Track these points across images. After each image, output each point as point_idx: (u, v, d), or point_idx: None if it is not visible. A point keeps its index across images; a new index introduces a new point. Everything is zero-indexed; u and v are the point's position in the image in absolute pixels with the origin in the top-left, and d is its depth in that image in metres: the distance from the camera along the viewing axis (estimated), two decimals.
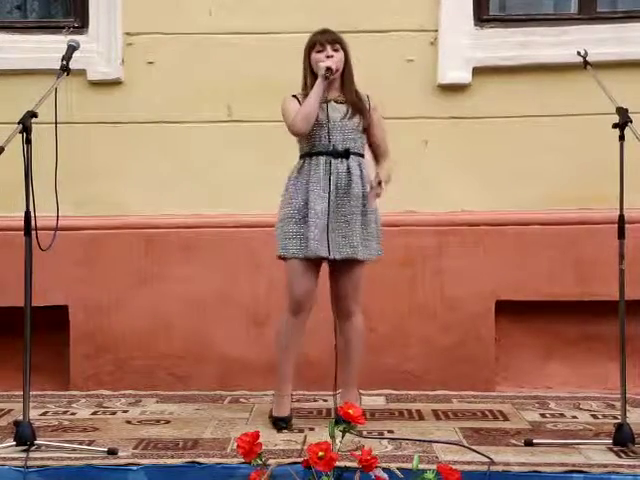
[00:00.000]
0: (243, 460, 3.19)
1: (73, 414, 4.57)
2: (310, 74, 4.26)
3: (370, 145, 4.36)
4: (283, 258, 4.25)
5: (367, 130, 4.31)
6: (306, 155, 4.26)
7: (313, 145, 4.23)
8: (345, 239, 4.19)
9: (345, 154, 4.22)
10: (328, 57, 4.20)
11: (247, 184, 5.15)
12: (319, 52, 4.23)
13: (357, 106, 4.26)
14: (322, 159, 4.21)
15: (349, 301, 4.27)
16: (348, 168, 4.21)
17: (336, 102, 4.25)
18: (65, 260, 5.05)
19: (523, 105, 5.22)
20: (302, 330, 4.27)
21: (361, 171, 4.24)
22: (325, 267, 4.28)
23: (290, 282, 4.24)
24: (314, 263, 4.22)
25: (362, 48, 5.11)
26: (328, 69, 4.15)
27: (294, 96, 4.28)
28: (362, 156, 4.30)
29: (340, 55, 4.24)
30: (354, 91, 4.30)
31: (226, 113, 5.26)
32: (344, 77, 4.27)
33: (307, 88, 4.26)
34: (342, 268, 4.24)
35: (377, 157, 4.37)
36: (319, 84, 4.16)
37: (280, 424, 4.19)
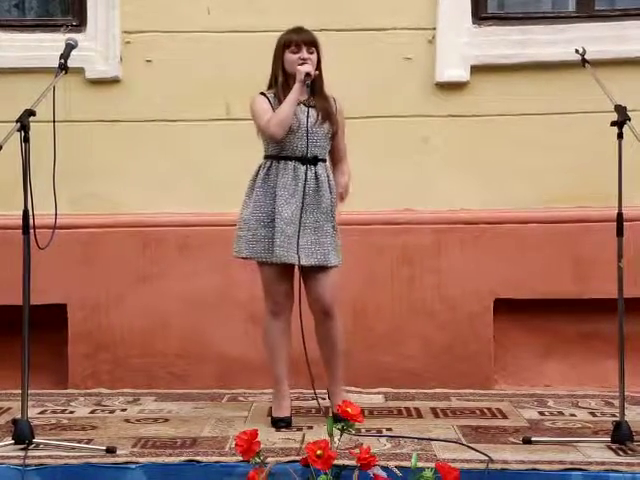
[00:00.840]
0: (241, 458, 3.20)
1: (71, 412, 4.57)
2: (282, 72, 4.20)
3: (331, 148, 4.31)
4: (243, 258, 4.25)
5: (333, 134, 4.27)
6: (273, 157, 4.22)
7: (282, 148, 4.19)
8: (315, 246, 4.17)
9: (313, 160, 4.19)
10: (303, 59, 4.13)
11: (245, 182, 5.14)
12: (294, 53, 4.16)
13: (327, 112, 4.22)
14: (290, 164, 4.18)
15: (327, 303, 4.23)
16: (316, 175, 4.19)
17: (306, 105, 4.18)
18: (63, 259, 5.05)
19: (521, 103, 5.22)
20: (286, 330, 4.26)
21: (328, 177, 4.23)
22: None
23: (265, 286, 4.25)
24: (286, 265, 4.20)
25: (360, 46, 5.14)
26: (307, 74, 4.09)
27: (262, 94, 4.23)
28: (326, 162, 4.26)
29: (315, 58, 4.17)
30: (325, 95, 4.26)
31: (224, 111, 5.26)
32: (316, 80, 4.19)
33: (276, 86, 4.21)
34: (315, 273, 4.20)
35: (337, 160, 4.33)
36: (296, 90, 4.10)
37: (280, 424, 4.19)
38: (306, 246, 4.15)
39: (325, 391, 4.35)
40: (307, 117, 4.14)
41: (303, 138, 4.15)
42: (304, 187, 4.15)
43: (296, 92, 4.10)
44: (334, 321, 4.26)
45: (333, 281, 4.24)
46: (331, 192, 4.22)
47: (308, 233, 4.16)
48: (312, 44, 4.18)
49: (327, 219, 4.19)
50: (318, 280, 4.22)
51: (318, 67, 4.20)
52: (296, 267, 4.19)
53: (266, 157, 4.25)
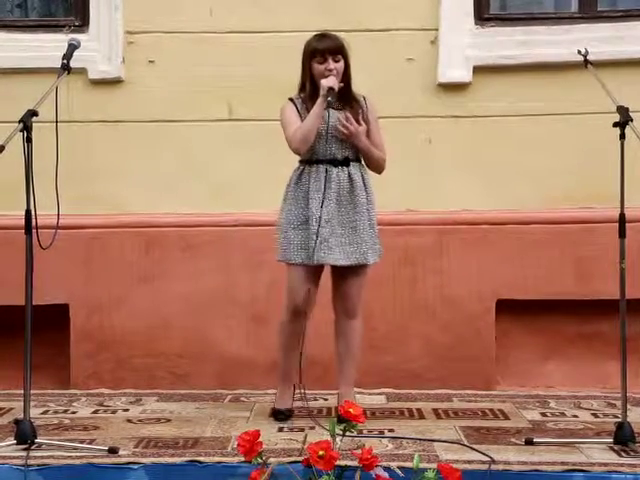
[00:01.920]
0: (244, 459, 3.20)
1: (74, 413, 4.57)
2: (310, 81, 4.21)
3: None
4: (279, 261, 4.27)
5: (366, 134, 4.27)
6: (305, 162, 4.24)
7: (313, 153, 4.21)
8: (353, 246, 4.19)
9: (345, 162, 4.21)
10: (329, 70, 4.13)
11: (248, 183, 5.16)
12: (320, 63, 4.15)
13: (357, 115, 4.22)
14: (322, 167, 4.20)
15: (354, 303, 4.28)
16: (349, 175, 4.21)
17: (335, 109, 4.19)
18: (66, 259, 5.06)
19: (523, 104, 5.21)
20: (302, 332, 4.27)
21: (363, 177, 4.25)
22: (327, 270, 4.28)
23: (291, 288, 4.26)
24: (316, 269, 4.23)
25: (363, 47, 5.12)
26: (330, 89, 4.09)
27: (291, 100, 4.25)
28: (360, 162, 4.28)
29: (341, 65, 4.18)
30: (353, 98, 4.27)
31: (227, 112, 5.26)
32: (344, 85, 4.20)
33: (304, 92, 4.23)
34: (349, 272, 4.24)
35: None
36: (319, 104, 4.10)
37: (279, 416, 4.26)
38: (344, 247, 4.18)
39: (329, 392, 4.37)
40: (332, 120, 4.15)
41: (332, 140, 4.18)
42: (337, 188, 4.17)
43: (319, 106, 4.11)
44: (356, 321, 4.31)
45: (362, 282, 4.28)
46: (366, 191, 4.24)
47: (345, 234, 4.19)
48: (337, 52, 4.17)
49: (363, 218, 4.21)
50: (347, 280, 4.26)
51: (346, 70, 4.20)
52: (327, 268, 4.23)
53: (300, 162, 4.28)
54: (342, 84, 4.18)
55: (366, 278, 4.30)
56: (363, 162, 4.31)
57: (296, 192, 4.23)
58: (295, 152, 4.21)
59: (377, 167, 4.33)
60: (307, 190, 4.19)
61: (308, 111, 4.17)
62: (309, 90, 4.22)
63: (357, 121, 4.20)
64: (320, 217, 4.13)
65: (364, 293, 4.34)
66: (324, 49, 4.15)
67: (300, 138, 4.13)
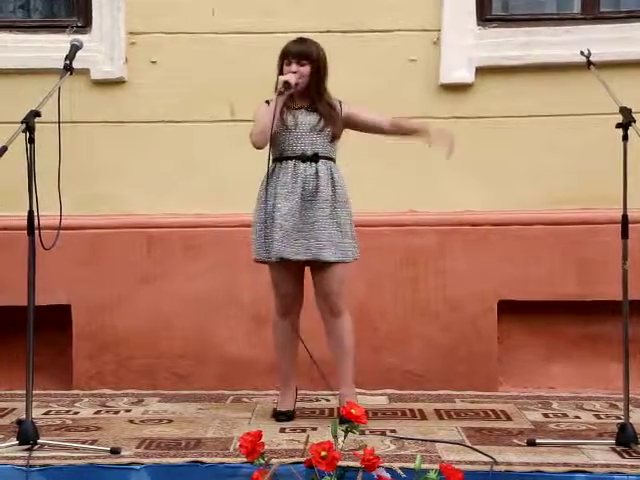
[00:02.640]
0: (246, 459, 3.19)
1: (76, 413, 4.57)
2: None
3: (384, 132, 4.36)
4: (260, 262, 4.30)
5: (358, 126, 4.32)
6: (276, 160, 4.29)
7: (283, 150, 4.27)
8: (311, 241, 4.20)
9: (314, 158, 4.24)
10: (293, 72, 4.21)
11: (249, 183, 5.13)
12: (287, 65, 4.25)
13: (328, 116, 4.27)
14: (290, 163, 4.25)
15: (334, 300, 4.28)
16: (317, 172, 4.24)
17: (307, 110, 4.27)
18: (68, 259, 5.06)
19: (526, 105, 5.21)
20: (294, 330, 4.32)
21: (332, 174, 4.26)
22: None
23: (275, 286, 4.33)
24: (295, 265, 4.25)
25: (365, 48, 5.14)
26: (285, 83, 4.17)
27: (267, 102, 4.28)
28: (333, 161, 4.31)
29: (305, 69, 4.23)
30: (325, 101, 4.31)
31: (229, 112, 5.26)
32: (311, 87, 4.25)
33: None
34: (323, 269, 4.25)
35: (384, 124, 4.34)
36: (275, 100, 4.18)
37: (281, 417, 4.28)
38: (303, 241, 4.20)
39: (331, 392, 4.37)
40: (303, 118, 4.23)
41: (301, 137, 4.23)
42: (302, 183, 4.20)
43: (275, 101, 4.18)
44: (340, 319, 4.30)
45: (337, 277, 4.27)
46: (334, 188, 4.25)
47: (306, 229, 4.20)
48: (304, 57, 4.24)
49: (324, 214, 4.22)
50: (322, 277, 4.27)
51: (316, 74, 4.25)
52: (307, 267, 4.26)
53: (272, 161, 4.30)
54: (299, 82, 4.21)
55: (344, 275, 4.29)
56: (334, 160, 4.31)
57: (267, 189, 4.25)
58: (254, 146, 4.24)
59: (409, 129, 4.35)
60: (275, 186, 4.24)
61: (282, 111, 4.22)
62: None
63: (334, 121, 4.25)
64: (284, 212, 4.17)
65: (345, 290, 4.32)
66: (290, 52, 4.25)
67: (256, 131, 4.20)
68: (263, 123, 4.19)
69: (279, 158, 4.28)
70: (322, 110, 4.28)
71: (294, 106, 4.28)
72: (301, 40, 4.31)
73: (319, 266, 4.25)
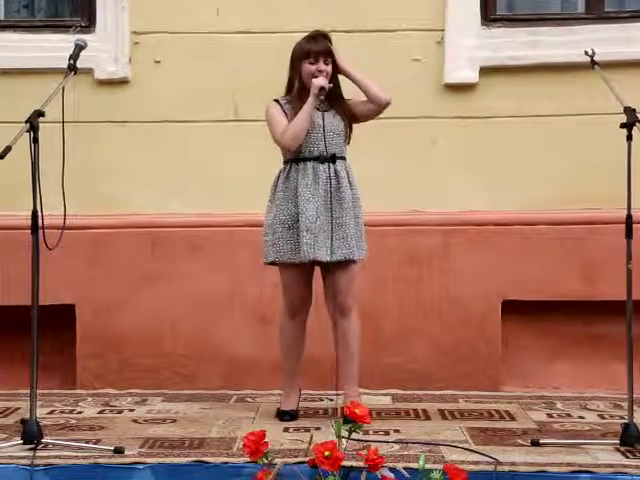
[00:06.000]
0: (249, 459, 3.20)
1: (80, 413, 4.58)
2: (299, 81, 4.26)
3: (373, 105, 4.29)
4: (273, 264, 4.30)
5: (358, 119, 4.33)
6: (292, 161, 4.27)
7: (300, 151, 4.25)
8: (341, 241, 4.22)
9: (331, 159, 4.24)
10: (320, 71, 4.20)
11: (253, 183, 5.13)
12: (311, 64, 4.21)
13: (348, 116, 4.29)
14: (309, 164, 4.24)
15: (346, 297, 4.30)
16: (336, 172, 4.24)
17: (321, 110, 4.24)
18: (72, 259, 5.06)
19: (530, 105, 5.21)
20: (302, 331, 4.36)
21: (348, 174, 4.28)
22: (317, 268, 4.32)
23: (285, 287, 4.33)
24: (308, 266, 4.26)
25: (369, 47, 5.13)
26: (322, 88, 4.15)
27: (276, 101, 4.28)
28: (345, 159, 4.32)
29: (330, 68, 4.23)
30: (341, 99, 4.31)
31: (233, 112, 5.26)
32: (332, 86, 4.24)
33: (292, 93, 4.27)
34: (337, 268, 4.26)
35: (366, 90, 4.28)
36: (311, 103, 4.17)
37: (285, 417, 4.29)
38: (334, 241, 4.20)
39: (334, 392, 4.37)
40: (322, 119, 4.20)
41: (320, 138, 4.21)
42: (326, 185, 4.20)
43: (310, 105, 4.17)
44: (349, 319, 4.31)
45: (351, 277, 4.29)
46: (352, 187, 4.27)
47: (334, 230, 4.20)
48: (328, 54, 4.23)
49: (349, 214, 4.24)
50: (335, 276, 4.27)
51: (334, 74, 4.25)
52: (317, 268, 4.27)
53: (285, 162, 4.30)
54: (331, 85, 4.22)
55: (354, 274, 4.31)
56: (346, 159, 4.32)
57: (285, 191, 4.25)
58: (286, 150, 4.24)
59: (378, 91, 4.26)
60: (295, 188, 4.22)
61: (295, 112, 4.21)
62: (298, 90, 4.25)
63: (348, 121, 4.27)
64: (310, 214, 4.16)
65: (356, 290, 4.34)
66: (317, 51, 4.22)
67: (291, 136, 4.18)
68: (298, 127, 4.17)
69: (295, 159, 4.26)
70: (341, 110, 4.29)
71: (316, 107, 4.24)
72: (318, 37, 4.27)
73: (335, 266, 4.24)
